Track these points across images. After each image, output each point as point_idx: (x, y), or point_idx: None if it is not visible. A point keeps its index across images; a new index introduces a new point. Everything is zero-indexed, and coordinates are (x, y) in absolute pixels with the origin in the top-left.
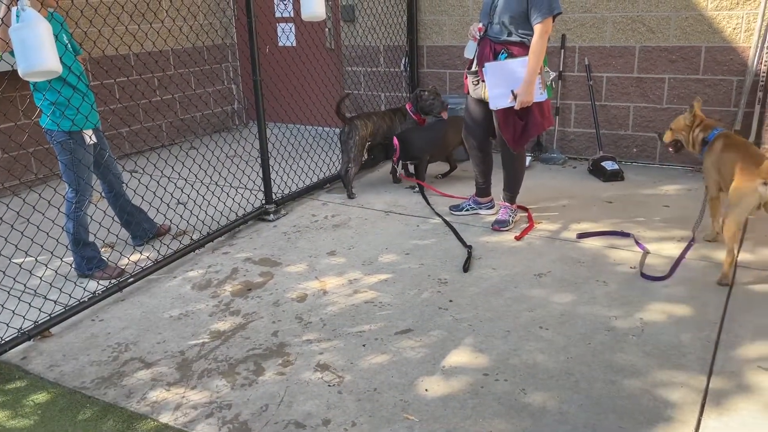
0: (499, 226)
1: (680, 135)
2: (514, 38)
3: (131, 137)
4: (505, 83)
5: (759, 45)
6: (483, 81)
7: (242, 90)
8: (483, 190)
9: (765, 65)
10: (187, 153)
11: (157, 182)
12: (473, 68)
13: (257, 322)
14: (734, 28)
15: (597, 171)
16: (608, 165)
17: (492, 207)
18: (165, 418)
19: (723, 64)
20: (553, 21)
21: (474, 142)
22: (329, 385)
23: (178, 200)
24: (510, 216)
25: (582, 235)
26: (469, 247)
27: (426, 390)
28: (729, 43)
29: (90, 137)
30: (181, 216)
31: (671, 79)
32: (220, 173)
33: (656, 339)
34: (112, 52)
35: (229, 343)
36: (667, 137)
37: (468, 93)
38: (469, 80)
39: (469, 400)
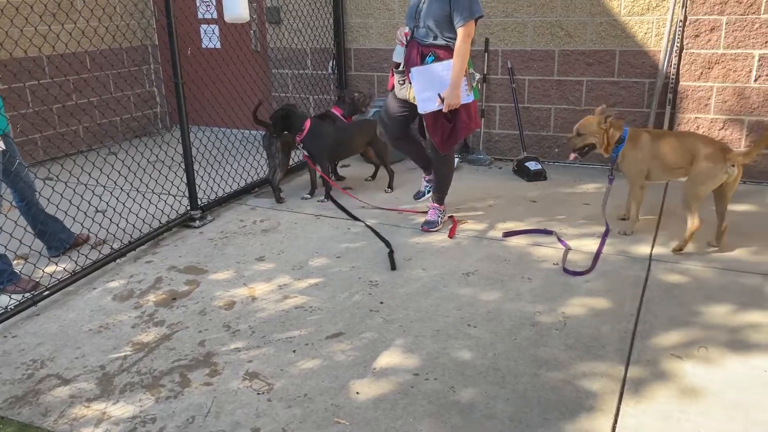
0: (428, 227)
1: (593, 138)
2: (440, 41)
3: (45, 144)
4: (432, 87)
5: (668, 49)
6: (409, 83)
7: (164, 93)
8: (425, 169)
9: (674, 68)
10: (105, 159)
11: (73, 190)
12: (401, 68)
13: (182, 332)
14: (645, 33)
15: (521, 171)
16: (532, 165)
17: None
18: None
19: (636, 67)
20: (476, 24)
21: (389, 137)
22: (258, 393)
23: (96, 208)
24: (439, 217)
25: (507, 234)
26: (389, 246)
27: (357, 393)
28: (641, 46)
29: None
30: (100, 225)
31: (589, 81)
32: (141, 179)
33: (578, 332)
34: (21, 54)
35: (153, 354)
36: (580, 142)
37: (391, 90)
38: (396, 79)
39: (400, 401)
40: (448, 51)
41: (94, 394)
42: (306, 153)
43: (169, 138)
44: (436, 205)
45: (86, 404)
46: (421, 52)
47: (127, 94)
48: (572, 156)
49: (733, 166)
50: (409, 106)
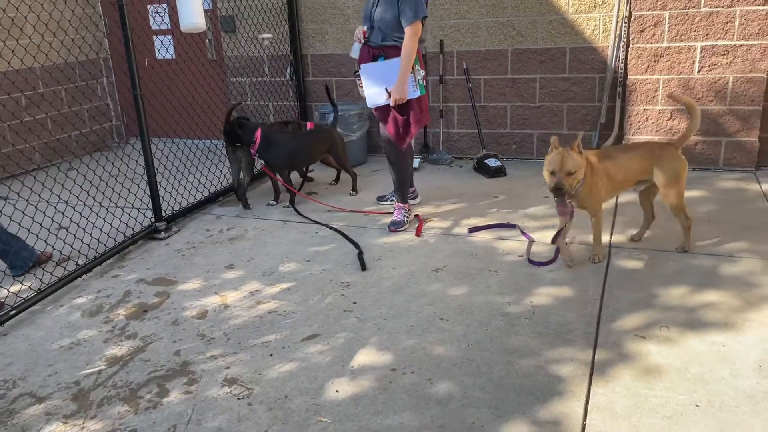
0: (395, 227)
1: (582, 171)
2: (389, 42)
3: (2, 161)
4: (380, 83)
5: (615, 44)
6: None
7: (120, 105)
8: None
9: (622, 62)
10: (66, 174)
11: (35, 207)
12: (355, 70)
13: (157, 344)
14: (593, 30)
15: (482, 168)
16: (491, 162)
17: (416, 197)
18: None
19: (586, 63)
20: (423, 24)
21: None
22: (238, 399)
23: (59, 225)
24: (404, 216)
25: (473, 230)
26: (358, 247)
27: (337, 391)
28: (590, 43)
29: None
30: (63, 241)
31: (542, 78)
32: (104, 193)
33: (546, 320)
34: None
35: (128, 367)
36: (574, 182)
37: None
38: (357, 82)
39: (379, 396)
40: (397, 50)
41: (71, 410)
42: (264, 163)
43: (129, 150)
44: (400, 204)
45: (63, 420)
46: (372, 54)
47: (83, 108)
48: (570, 208)
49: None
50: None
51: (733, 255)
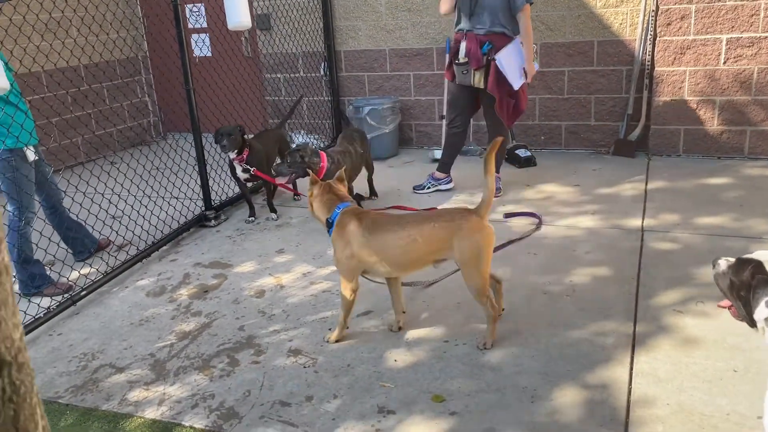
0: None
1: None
2: (497, 29)
3: (47, 156)
4: (516, 65)
5: (642, 37)
6: (474, 69)
7: (157, 102)
8: (446, 166)
9: (649, 55)
10: (110, 167)
11: (91, 198)
12: (460, 60)
13: (221, 320)
14: (620, 24)
15: (512, 159)
16: (522, 153)
17: (450, 182)
18: (151, 414)
19: (614, 56)
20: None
21: (459, 121)
22: (305, 367)
23: (113, 216)
24: (499, 182)
25: (508, 215)
26: None
27: (395, 360)
28: (617, 36)
29: (33, 153)
30: (117, 232)
31: (570, 71)
32: (151, 186)
33: (586, 297)
34: (24, 70)
35: (198, 341)
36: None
37: (452, 80)
38: (458, 70)
39: (436, 365)
40: (504, 38)
41: (150, 378)
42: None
43: (164, 145)
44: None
45: (145, 387)
46: (479, 41)
47: (122, 106)
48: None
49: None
50: (475, 91)
51: (762, 237)
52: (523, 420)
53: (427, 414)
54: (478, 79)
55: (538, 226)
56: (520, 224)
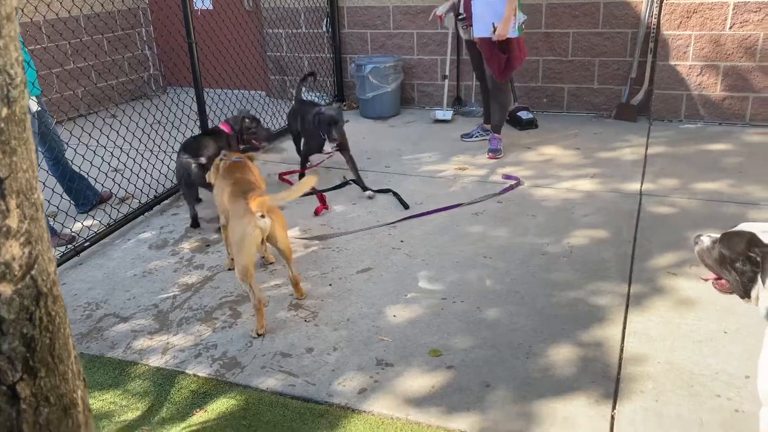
0: (493, 154)
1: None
2: None
3: (49, 107)
4: (488, 17)
5: None
6: (468, 25)
7: (157, 55)
8: (488, 121)
9: (655, 18)
10: (115, 118)
11: (93, 150)
12: (461, 16)
13: (223, 274)
14: None
15: (514, 121)
16: (523, 115)
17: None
18: (155, 362)
19: (619, 18)
20: None
21: (478, 74)
22: (305, 321)
23: (115, 169)
24: (500, 144)
25: (507, 177)
26: (390, 191)
27: (394, 316)
28: None
29: (36, 104)
30: (119, 185)
31: (575, 33)
32: (153, 140)
33: (583, 258)
34: (25, 19)
35: (201, 293)
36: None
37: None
38: (459, 26)
39: (433, 320)
40: None
41: (154, 328)
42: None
43: (165, 99)
44: (496, 135)
45: (149, 336)
46: None
47: (123, 58)
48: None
49: (263, 216)
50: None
51: (759, 203)
52: (517, 375)
53: (424, 367)
54: (472, 34)
55: (514, 186)
56: (523, 185)
